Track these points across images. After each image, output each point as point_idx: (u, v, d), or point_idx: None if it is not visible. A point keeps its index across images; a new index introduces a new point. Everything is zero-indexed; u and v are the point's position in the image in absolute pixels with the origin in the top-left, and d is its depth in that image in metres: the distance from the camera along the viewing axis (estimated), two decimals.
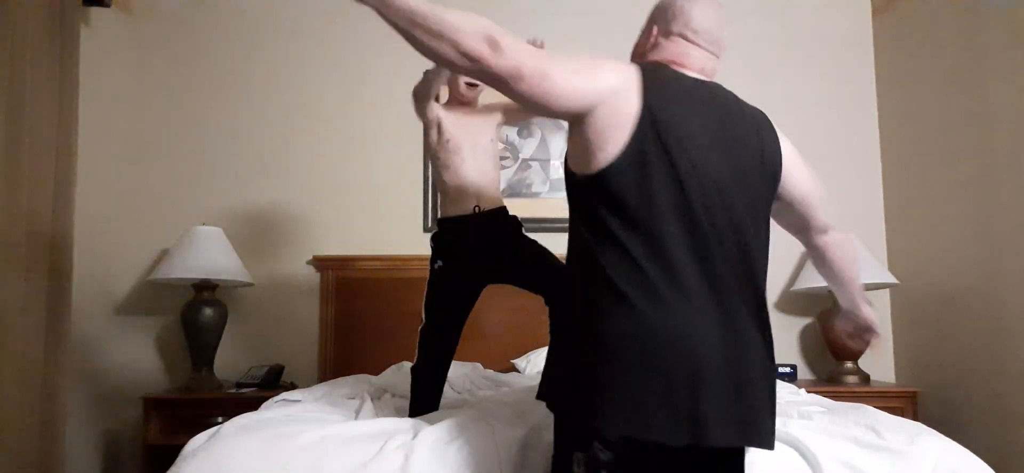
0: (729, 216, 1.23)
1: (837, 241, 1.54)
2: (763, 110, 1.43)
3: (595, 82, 1.22)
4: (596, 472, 1.15)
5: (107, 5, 2.88)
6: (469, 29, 1.13)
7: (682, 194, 1.20)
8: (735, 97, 1.35)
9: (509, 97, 1.21)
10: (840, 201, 3.25)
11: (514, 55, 1.16)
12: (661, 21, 1.44)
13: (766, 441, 1.20)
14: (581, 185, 1.26)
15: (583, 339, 1.20)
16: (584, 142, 1.24)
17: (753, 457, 1.38)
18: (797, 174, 1.40)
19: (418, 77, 3.27)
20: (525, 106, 1.23)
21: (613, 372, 1.14)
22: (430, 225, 3.20)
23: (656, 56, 1.41)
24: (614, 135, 1.21)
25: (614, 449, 1.14)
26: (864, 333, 1.61)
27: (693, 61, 1.37)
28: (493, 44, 1.15)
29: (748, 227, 1.25)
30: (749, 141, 1.30)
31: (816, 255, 1.56)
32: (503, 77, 1.16)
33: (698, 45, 1.37)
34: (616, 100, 1.21)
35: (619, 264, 1.18)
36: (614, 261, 1.19)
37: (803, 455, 1.39)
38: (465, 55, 1.14)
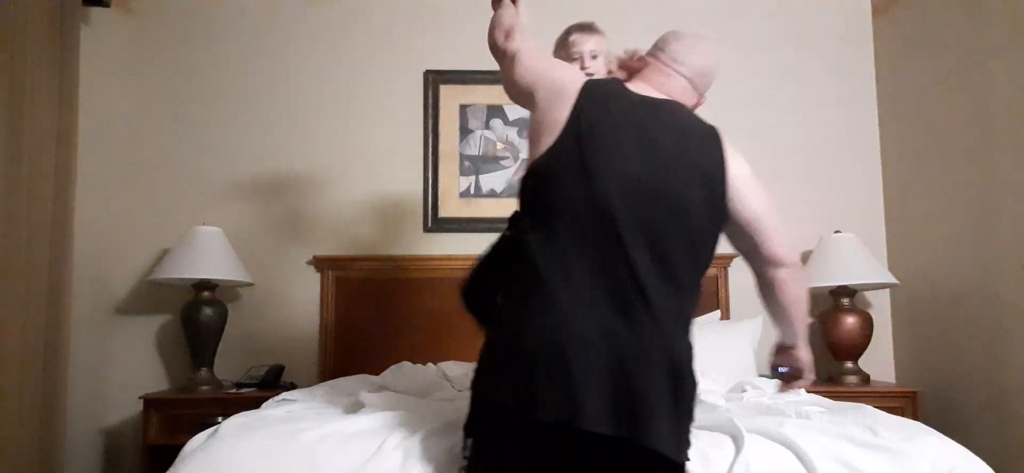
0: (644, 221, 1.28)
1: (788, 278, 1.46)
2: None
3: (544, 68, 1.48)
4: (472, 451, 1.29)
5: (107, 5, 2.88)
6: (503, 23, 1.57)
7: (589, 197, 1.29)
8: (684, 115, 1.44)
9: (508, 75, 1.53)
10: (840, 201, 3.25)
11: (516, 43, 1.54)
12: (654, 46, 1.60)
13: (662, 445, 1.18)
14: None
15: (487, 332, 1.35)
16: (529, 144, 1.43)
17: (748, 457, 1.38)
18: (746, 196, 1.41)
19: (418, 80, 3.29)
20: (510, 85, 1.54)
21: (490, 361, 1.29)
22: (430, 225, 3.20)
23: (640, 75, 1.56)
24: (545, 139, 1.37)
25: (478, 432, 1.29)
26: (797, 377, 1.56)
27: (655, 77, 1.50)
28: (508, 34, 1.55)
29: (668, 234, 1.30)
30: (683, 155, 1.35)
31: (763, 286, 1.50)
32: (505, 55, 1.54)
33: (665, 64, 1.51)
34: (557, 100, 1.38)
35: (522, 261, 1.31)
36: (521, 257, 1.32)
37: (798, 455, 1.38)
38: (490, 40, 1.59)
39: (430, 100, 3.26)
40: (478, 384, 1.30)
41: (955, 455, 1.45)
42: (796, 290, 1.47)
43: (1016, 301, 2.52)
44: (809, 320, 1.53)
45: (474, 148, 3.25)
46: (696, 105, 1.56)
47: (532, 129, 1.43)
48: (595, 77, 1.64)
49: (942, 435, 1.55)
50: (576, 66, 1.75)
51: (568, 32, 1.87)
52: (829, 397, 2.07)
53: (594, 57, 1.83)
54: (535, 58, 1.53)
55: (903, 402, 2.73)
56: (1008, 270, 2.56)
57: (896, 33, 3.22)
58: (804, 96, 3.31)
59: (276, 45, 3.29)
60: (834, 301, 2.95)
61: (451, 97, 3.26)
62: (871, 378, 2.96)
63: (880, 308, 3.20)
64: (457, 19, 3.29)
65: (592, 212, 1.28)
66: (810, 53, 3.34)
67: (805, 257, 3.12)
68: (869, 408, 1.79)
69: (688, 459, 1.27)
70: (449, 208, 3.21)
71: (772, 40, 3.34)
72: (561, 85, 1.41)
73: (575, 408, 1.17)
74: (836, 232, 2.99)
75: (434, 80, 3.27)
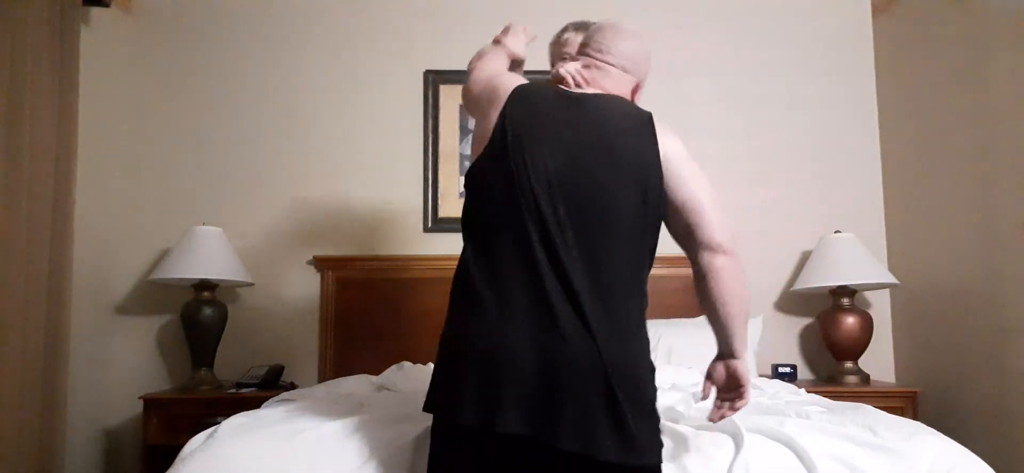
0: (575, 223, 1.28)
1: (724, 267, 1.34)
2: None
3: (487, 77, 1.51)
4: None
5: (107, 5, 2.88)
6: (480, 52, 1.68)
7: (516, 202, 1.29)
8: (614, 108, 1.40)
9: (464, 92, 1.59)
10: (840, 201, 3.25)
11: (473, 59, 1.64)
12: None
13: (606, 452, 1.17)
14: None
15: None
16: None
17: (748, 456, 1.38)
18: (681, 177, 1.36)
19: (417, 79, 3.29)
20: (466, 102, 1.59)
21: (438, 369, 1.30)
22: (430, 225, 3.20)
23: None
24: (477, 149, 1.40)
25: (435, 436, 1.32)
26: (732, 391, 1.41)
27: (589, 74, 1.51)
28: (478, 55, 1.66)
29: (602, 233, 1.29)
30: (611, 148, 1.33)
31: (698, 278, 1.38)
32: (468, 73, 1.60)
33: (594, 58, 1.52)
34: (491, 109, 1.40)
35: (460, 270, 1.34)
36: (460, 266, 1.35)
37: (798, 454, 1.38)
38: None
39: (430, 100, 3.26)
40: (429, 391, 1.32)
41: (955, 455, 1.45)
42: (732, 284, 1.34)
43: (1016, 301, 2.51)
44: (745, 330, 1.40)
45: None
46: (635, 91, 1.55)
47: (472, 140, 1.46)
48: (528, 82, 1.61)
49: (942, 435, 1.55)
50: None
51: (563, 30, 1.84)
52: (829, 397, 2.06)
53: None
54: (484, 70, 1.54)
55: (903, 402, 2.73)
56: (1008, 270, 2.56)
57: (896, 33, 3.22)
58: (804, 96, 3.31)
59: (276, 45, 3.29)
60: (834, 301, 2.95)
61: (451, 97, 3.26)
62: (871, 378, 2.96)
63: (880, 308, 3.20)
64: (457, 19, 3.29)
65: (518, 219, 1.28)
66: (810, 53, 3.33)
67: (805, 257, 3.12)
68: (869, 408, 1.79)
69: (657, 460, 1.25)
70: (449, 208, 3.21)
71: (772, 40, 3.34)
72: (497, 93, 1.41)
73: (493, 412, 1.19)
74: (836, 232, 2.99)
75: (434, 80, 3.27)
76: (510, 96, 1.38)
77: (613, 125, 1.35)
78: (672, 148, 1.37)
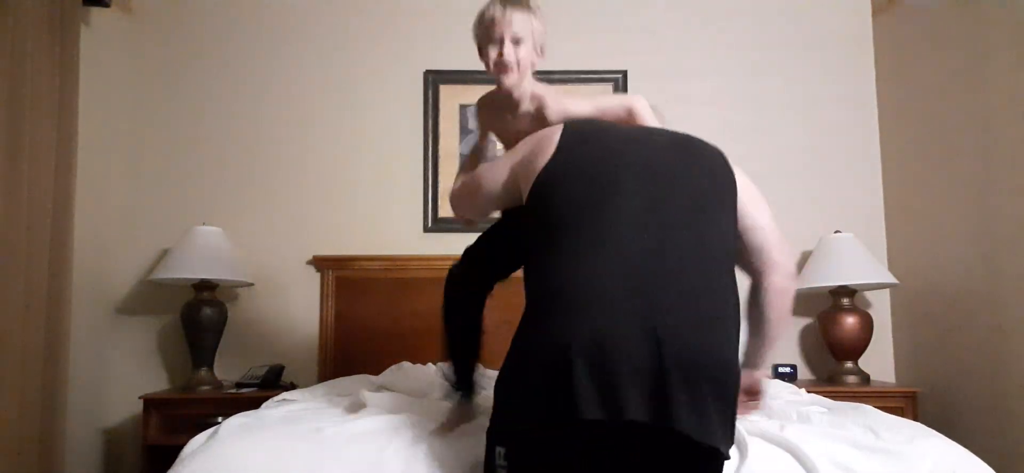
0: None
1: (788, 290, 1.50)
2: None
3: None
4: (501, 464, 1.21)
5: (107, 5, 2.88)
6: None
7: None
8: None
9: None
10: (840, 201, 3.25)
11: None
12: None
13: (688, 426, 1.11)
14: None
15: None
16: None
17: (752, 467, 1.38)
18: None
19: (418, 80, 3.29)
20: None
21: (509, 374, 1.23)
22: (430, 225, 3.20)
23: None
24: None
25: (507, 444, 1.21)
26: (748, 399, 1.52)
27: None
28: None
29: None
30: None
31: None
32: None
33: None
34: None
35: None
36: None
37: (800, 460, 1.38)
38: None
39: (430, 100, 3.26)
40: (503, 411, 1.24)
41: (956, 457, 1.45)
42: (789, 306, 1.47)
43: (1016, 301, 2.52)
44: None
45: None
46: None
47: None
48: (513, 80, 1.56)
49: (943, 437, 1.54)
50: (493, 53, 1.57)
51: (488, 5, 1.60)
52: (829, 397, 2.07)
53: (517, 42, 1.56)
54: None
55: (903, 402, 2.73)
56: (1008, 270, 2.56)
57: (896, 33, 3.22)
58: (804, 96, 3.31)
59: (276, 45, 3.28)
60: (834, 301, 2.95)
61: (451, 97, 3.26)
62: (871, 378, 2.96)
63: (880, 308, 3.20)
64: (457, 19, 3.28)
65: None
66: (810, 53, 3.33)
67: (805, 257, 3.12)
68: (870, 408, 1.79)
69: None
70: (449, 208, 3.19)
71: (773, 40, 3.34)
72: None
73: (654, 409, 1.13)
74: (836, 232, 2.99)
75: (434, 80, 3.27)
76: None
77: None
78: None
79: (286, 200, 3.20)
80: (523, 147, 1.46)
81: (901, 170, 3.17)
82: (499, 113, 1.68)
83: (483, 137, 1.85)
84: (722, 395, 1.16)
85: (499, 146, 1.84)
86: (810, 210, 3.23)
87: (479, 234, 1.70)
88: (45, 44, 2.51)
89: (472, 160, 1.78)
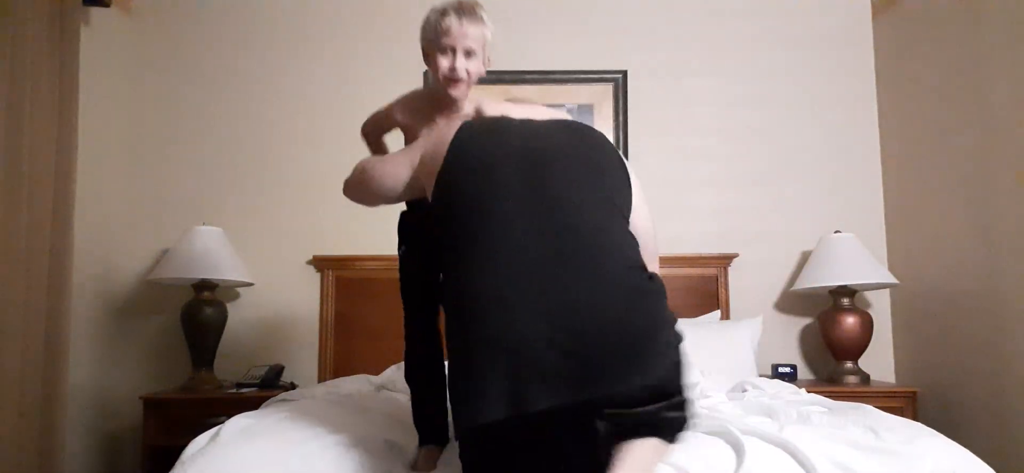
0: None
1: None
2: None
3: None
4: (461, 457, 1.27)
5: (107, 5, 2.87)
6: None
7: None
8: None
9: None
10: (840, 201, 3.25)
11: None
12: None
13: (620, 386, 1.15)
14: None
15: None
16: None
17: (750, 464, 1.37)
18: None
19: (418, 81, 3.29)
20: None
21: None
22: None
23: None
24: None
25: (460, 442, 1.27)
26: None
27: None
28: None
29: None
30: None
31: None
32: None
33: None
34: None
35: None
36: None
37: (800, 461, 1.38)
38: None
39: None
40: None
41: (956, 457, 1.45)
42: None
43: (1016, 301, 2.52)
44: None
45: None
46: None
47: None
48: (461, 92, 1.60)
49: (943, 437, 1.54)
50: (444, 63, 1.56)
51: (442, 14, 1.56)
52: (829, 397, 2.06)
53: (469, 54, 1.55)
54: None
55: (903, 402, 2.73)
56: (1008, 270, 2.56)
57: (896, 33, 3.22)
58: (804, 96, 3.31)
59: (276, 45, 3.28)
60: (834, 301, 2.95)
61: None
62: (871, 378, 2.97)
63: (880, 308, 3.20)
64: None
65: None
66: (810, 53, 3.33)
67: (805, 257, 3.12)
68: (870, 408, 1.79)
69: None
70: None
71: (772, 40, 3.34)
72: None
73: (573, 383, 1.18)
74: (836, 232, 2.99)
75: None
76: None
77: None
78: None
79: (286, 200, 3.20)
80: (422, 145, 1.49)
81: (901, 170, 3.17)
82: (426, 116, 1.69)
83: (379, 143, 1.93)
84: (633, 353, 1.17)
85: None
86: (810, 210, 3.23)
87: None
88: (45, 44, 2.51)
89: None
